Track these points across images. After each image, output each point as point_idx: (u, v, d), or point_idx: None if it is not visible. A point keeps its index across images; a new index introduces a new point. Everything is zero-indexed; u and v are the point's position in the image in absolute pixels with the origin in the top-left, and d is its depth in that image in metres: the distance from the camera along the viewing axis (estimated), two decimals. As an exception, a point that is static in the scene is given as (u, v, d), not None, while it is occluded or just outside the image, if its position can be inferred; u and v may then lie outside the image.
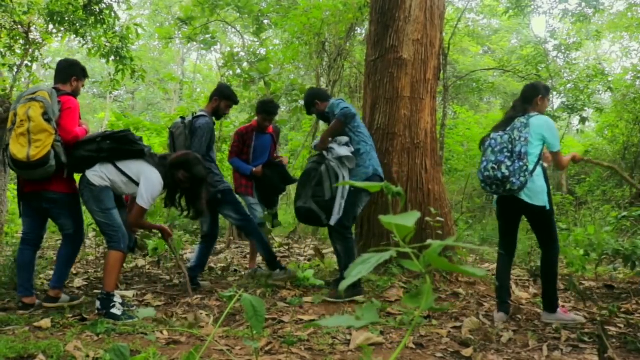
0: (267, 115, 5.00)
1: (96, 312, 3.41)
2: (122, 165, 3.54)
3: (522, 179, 3.43)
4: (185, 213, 3.82)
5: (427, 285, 0.89)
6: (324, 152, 4.03)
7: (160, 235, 4.85)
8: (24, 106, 3.34)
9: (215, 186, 4.25)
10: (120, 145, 3.53)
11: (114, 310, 3.34)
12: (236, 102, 4.62)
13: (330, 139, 4.03)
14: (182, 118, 4.45)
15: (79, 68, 3.76)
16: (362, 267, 0.88)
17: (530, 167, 3.46)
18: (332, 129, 4.03)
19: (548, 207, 3.51)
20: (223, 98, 4.47)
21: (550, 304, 3.60)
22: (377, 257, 0.87)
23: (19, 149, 3.29)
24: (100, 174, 3.49)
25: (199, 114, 4.38)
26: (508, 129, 3.56)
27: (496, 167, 3.48)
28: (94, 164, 3.52)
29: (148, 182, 3.49)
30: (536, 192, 3.47)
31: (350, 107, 4.02)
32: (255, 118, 5.18)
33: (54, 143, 3.34)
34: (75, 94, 3.75)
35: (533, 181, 3.47)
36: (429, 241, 0.86)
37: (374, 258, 0.88)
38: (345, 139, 4.02)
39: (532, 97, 3.69)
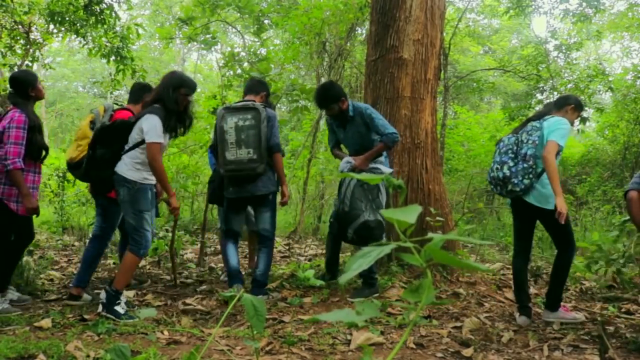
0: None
1: (100, 305, 3.41)
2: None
3: (525, 180, 3.41)
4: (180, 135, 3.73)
5: (427, 280, 0.88)
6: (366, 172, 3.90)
7: (160, 235, 4.82)
8: (85, 117, 3.96)
9: (274, 185, 4.04)
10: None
11: (117, 308, 3.35)
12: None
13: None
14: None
15: (150, 89, 4.05)
16: (362, 260, 0.87)
17: (539, 170, 3.44)
18: (378, 152, 3.99)
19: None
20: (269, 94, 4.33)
21: (554, 303, 3.60)
22: (377, 251, 0.87)
23: (68, 152, 3.87)
24: (130, 163, 3.45)
25: (260, 103, 3.99)
26: (520, 131, 3.60)
27: (499, 167, 3.51)
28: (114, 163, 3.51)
29: (146, 121, 3.41)
30: (546, 196, 3.44)
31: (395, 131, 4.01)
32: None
33: None
34: None
35: (542, 184, 3.44)
36: (430, 234, 0.85)
37: (374, 252, 0.87)
38: (382, 159, 4.05)
39: (563, 104, 3.69)
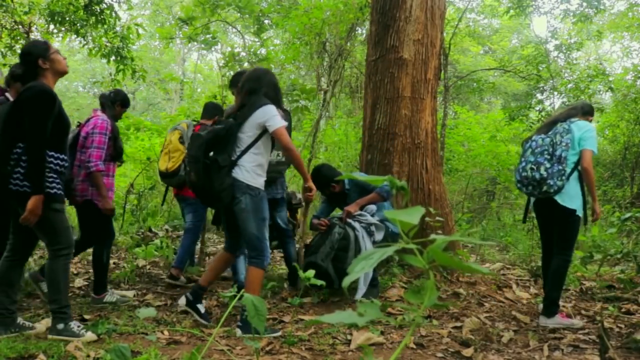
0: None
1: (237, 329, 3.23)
2: (243, 137, 3.22)
3: (559, 182, 3.52)
4: None
5: (430, 282, 0.88)
6: (350, 220, 3.91)
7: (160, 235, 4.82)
8: (171, 134, 4.54)
9: (284, 189, 4.17)
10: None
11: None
12: None
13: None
14: None
15: (221, 110, 4.61)
16: (365, 262, 0.87)
17: (568, 171, 3.56)
18: (371, 200, 3.98)
19: (578, 213, 3.59)
20: None
21: (550, 309, 3.60)
22: (380, 253, 0.87)
23: (161, 163, 4.49)
24: (251, 169, 3.19)
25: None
26: (550, 132, 3.65)
27: (535, 168, 3.56)
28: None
29: (262, 112, 3.14)
30: (570, 196, 3.57)
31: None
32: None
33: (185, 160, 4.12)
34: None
35: (570, 185, 3.57)
36: (432, 236, 0.85)
37: (376, 254, 0.87)
38: (373, 207, 4.01)
39: (588, 113, 3.88)
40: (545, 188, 3.52)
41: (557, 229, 3.69)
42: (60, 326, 2.86)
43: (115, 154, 3.83)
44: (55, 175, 2.90)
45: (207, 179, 3.11)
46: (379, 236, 3.88)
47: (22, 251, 3.07)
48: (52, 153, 2.90)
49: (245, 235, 3.22)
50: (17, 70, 3.30)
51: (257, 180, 3.19)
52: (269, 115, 3.12)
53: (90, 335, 2.88)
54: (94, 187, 3.65)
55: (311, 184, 3.43)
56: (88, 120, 3.81)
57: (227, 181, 3.11)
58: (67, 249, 2.97)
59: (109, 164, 3.78)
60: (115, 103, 3.97)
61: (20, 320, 3.00)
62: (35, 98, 2.81)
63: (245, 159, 3.16)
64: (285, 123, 3.17)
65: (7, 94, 3.42)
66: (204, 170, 3.12)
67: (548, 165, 3.52)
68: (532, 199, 3.81)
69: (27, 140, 2.78)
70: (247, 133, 3.17)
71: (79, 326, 2.92)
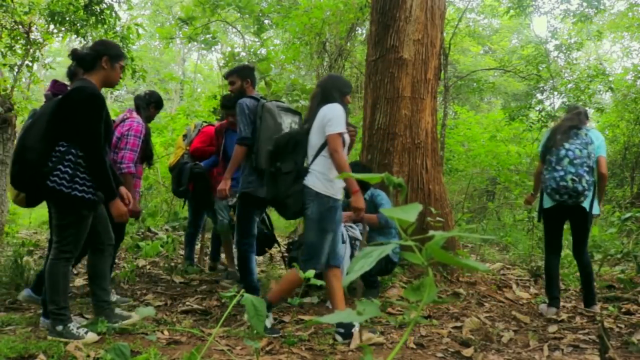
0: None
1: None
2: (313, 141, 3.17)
3: (591, 192, 3.76)
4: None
5: (429, 278, 0.88)
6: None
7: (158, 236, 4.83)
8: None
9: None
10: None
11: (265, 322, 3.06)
12: None
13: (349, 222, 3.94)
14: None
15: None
16: (364, 261, 0.87)
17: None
18: (369, 220, 3.87)
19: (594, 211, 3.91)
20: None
21: (594, 298, 3.95)
22: (378, 251, 0.86)
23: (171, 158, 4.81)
24: (321, 177, 3.10)
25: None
26: (578, 142, 3.75)
27: (577, 179, 3.67)
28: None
29: (329, 110, 3.10)
30: (590, 200, 3.82)
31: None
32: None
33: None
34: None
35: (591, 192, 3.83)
36: (431, 232, 0.85)
37: (375, 252, 0.87)
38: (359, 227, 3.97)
39: (586, 118, 4.04)
40: (582, 198, 3.70)
41: (579, 231, 3.90)
42: (60, 328, 2.84)
43: (144, 156, 3.89)
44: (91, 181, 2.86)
45: (275, 187, 3.14)
46: (358, 250, 3.82)
47: (110, 244, 3.19)
48: None
49: (305, 241, 3.18)
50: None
51: (329, 188, 3.09)
52: (327, 118, 3.09)
53: (91, 336, 2.85)
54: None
55: (357, 200, 3.09)
56: (123, 120, 3.76)
57: (295, 188, 3.10)
58: (71, 253, 2.94)
59: (138, 165, 3.83)
60: (149, 105, 4.03)
61: (117, 310, 3.12)
62: (88, 101, 2.79)
63: (317, 163, 3.13)
64: (341, 129, 3.06)
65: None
66: (270, 179, 3.18)
67: (588, 178, 3.68)
68: (550, 203, 3.88)
69: (85, 146, 2.79)
70: (316, 137, 3.16)
71: (78, 327, 2.90)
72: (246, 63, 5.66)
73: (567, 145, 3.75)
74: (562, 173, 3.69)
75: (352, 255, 3.79)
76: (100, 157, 2.81)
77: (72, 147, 2.80)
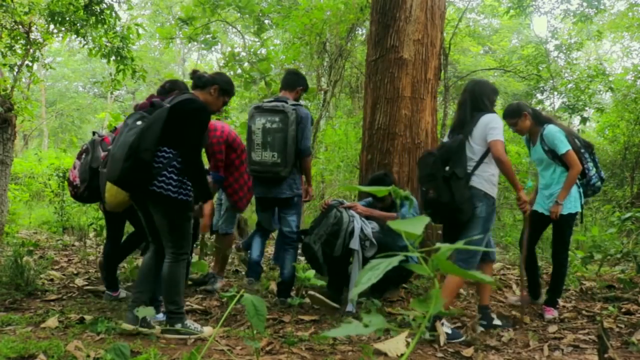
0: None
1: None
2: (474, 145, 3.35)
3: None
4: None
5: (435, 290, 0.88)
6: (357, 216, 3.81)
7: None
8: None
9: (299, 188, 3.98)
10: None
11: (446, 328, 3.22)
12: None
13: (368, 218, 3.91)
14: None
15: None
16: (372, 273, 0.87)
17: None
18: (386, 217, 3.90)
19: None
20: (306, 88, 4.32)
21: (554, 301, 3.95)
22: (386, 263, 0.86)
23: None
24: (488, 176, 3.31)
25: (292, 104, 3.94)
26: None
27: (602, 181, 4.02)
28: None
29: (491, 119, 3.32)
30: None
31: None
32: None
33: None
34: None
35: None
36: (437, 244, 0.85)
37: (382, 264, 0.87)
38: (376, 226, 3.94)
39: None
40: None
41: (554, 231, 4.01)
42: (179, 325, 3.02)
43: None
44: (190, 184, 3.04)
45: (449, 192, 3.20)
46: (368, 253, 3.75)
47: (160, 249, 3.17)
48: None
49: (468, 240, 3.22)
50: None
51: (493, 189, 3.31)
52: (489, 127, 3.28)
53: (207, 330, 3.10)
54: None
55: (522, 194, 3.37)
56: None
57: (467, 194, 3.22)
58: (187, 254, 3.15)
59: None
60: None
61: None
62: (197, 112, 3.00)
63: (482, 169, 3.29)
64: (502, 137, 3.26)
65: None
66: (444, 184, 3.21)
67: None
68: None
69: (188, 152, 2.97)
70: (478, 145, 3.31)
71: (193, 323, 3.15)
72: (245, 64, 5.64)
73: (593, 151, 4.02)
74: (600, 173, 3.95)
75: (365, 257, 3.74)
76: (200, 162, 3.04)
77: (178, 155, 2.98)
